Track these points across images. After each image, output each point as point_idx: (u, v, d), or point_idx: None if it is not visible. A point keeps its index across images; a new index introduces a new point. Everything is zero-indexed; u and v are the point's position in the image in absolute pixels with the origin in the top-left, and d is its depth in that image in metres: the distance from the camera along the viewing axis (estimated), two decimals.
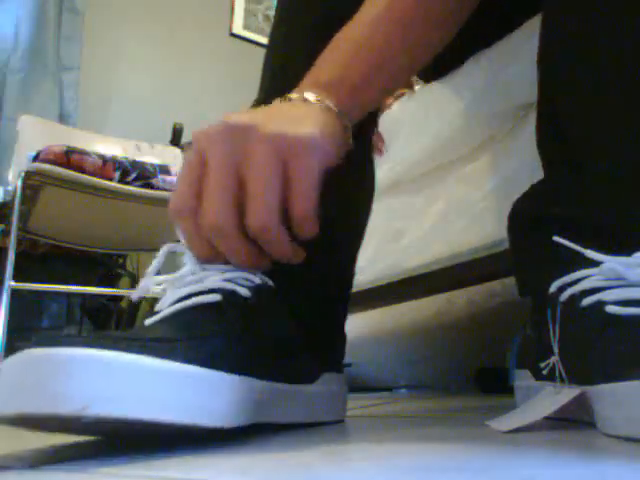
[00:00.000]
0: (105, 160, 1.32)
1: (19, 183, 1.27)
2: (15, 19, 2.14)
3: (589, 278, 0.43)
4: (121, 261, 1.92)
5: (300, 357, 0.48)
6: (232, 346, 0.40)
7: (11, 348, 1.43)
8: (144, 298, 2.17)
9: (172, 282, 0.45)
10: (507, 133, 0.80)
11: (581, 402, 0.41)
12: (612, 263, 0.42)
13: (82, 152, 1.31)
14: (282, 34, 0.59)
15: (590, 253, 0.43)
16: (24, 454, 0.33)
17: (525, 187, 0.62)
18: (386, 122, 1.02)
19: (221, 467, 0.29)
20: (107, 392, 0.30)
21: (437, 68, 0.88)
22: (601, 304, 0.41)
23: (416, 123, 0.97)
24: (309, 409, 0.48)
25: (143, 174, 1.35)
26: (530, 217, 0.54)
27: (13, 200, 1.29)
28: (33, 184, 1.30)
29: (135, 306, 1.91)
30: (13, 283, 1.21)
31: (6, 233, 1.36)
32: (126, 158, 1.39)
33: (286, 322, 0.47)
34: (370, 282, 1.04)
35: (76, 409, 0.29)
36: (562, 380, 0.45)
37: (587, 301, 0.43)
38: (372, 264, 1.04)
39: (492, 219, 0.82)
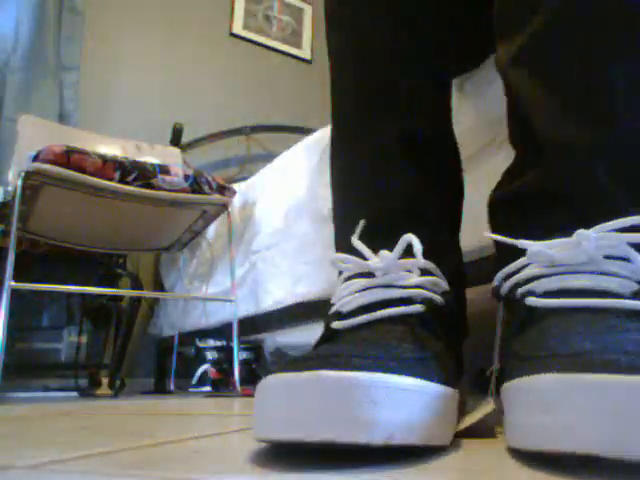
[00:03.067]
0: (105, 160, 1.32)
1: (19, 183, 1.27)
2: (15, 19, 2.14)
3: (528, 267, 0.38)
4: (121, 261, 1.92)
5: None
6: (447, 362, 0.38)
7: (11, 348, 1.43)
8: (144, 298, 2.16)
9: (360, 282, 0.41)
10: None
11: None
12: (537, 246, 0.37)
13: (82, 152, 1.30)
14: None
15: (522, 242, 0.39)
16: (24, 454, 0.33)
17: None
18: None
19: (221, 467, 0.29)
20: (405, 420, 0.29)
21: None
22: (526, 296, 0.37)
23: None
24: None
25: (143, 174, 1.35)
26: (493, 202, 0.52)
27: (13, 200, 1.29)
28: (33, 184, 1.30)
29: (135, 306, 1.91)
30: (13, 283, 1.21)
31: (6, 233, 1.36)
32: (126, 158, 1.39)
33: (459, 325, 0.45)
34: None
35: (383, 438, 0.28)
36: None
37: (520, 292, 0.38)
38: None
39: None
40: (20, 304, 1.44)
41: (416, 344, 0.36)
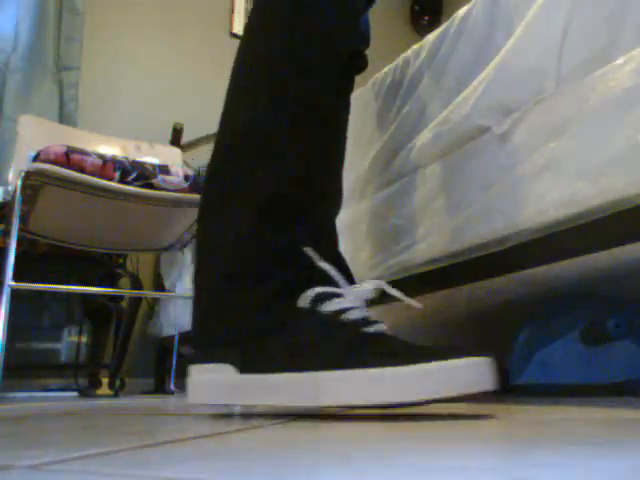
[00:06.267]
0: (105, 160, 1.32)
1: (19, 183, 1.27)
2: (15, 19, 2.14)
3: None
4: (121, 261, 1.92)
5: None
6: None
7: (11, 348, 1.43)
8: (144, 298, 2.15)
9: None
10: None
11: None
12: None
13: (82, 152, 1.30)
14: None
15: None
16: (24, 454, 0.33)
17: (524, 181, 0.62)
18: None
19: (221, 467, 0.29)
20: None
21: None
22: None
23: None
24: None
25: (143, 174, 1.35)
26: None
27: (13, 200, 1.29)
28: (33, 184, 1.30)
29: (135, 306, 1.90)
30: (13, 283, 1.21)
31: (6, 233, 1.36)
32: (126, 158, 1.39)
33: None
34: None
35: None
36: None
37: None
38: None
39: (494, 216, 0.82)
40: (20, 304, 1.44)
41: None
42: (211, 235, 0.67)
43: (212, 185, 0.69)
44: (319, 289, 0.57)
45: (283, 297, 0.59)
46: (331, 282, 0.58)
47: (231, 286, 0.62)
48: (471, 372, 0.51)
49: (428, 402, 0.50)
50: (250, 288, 0.61)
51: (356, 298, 0.58)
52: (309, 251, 0.60)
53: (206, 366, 0.61)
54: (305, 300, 0.58)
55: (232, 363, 0.59)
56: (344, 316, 0.56)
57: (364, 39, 0.72)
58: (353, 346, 0.55)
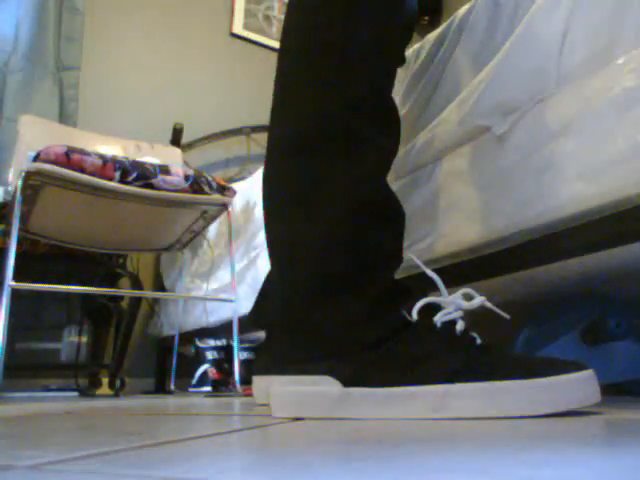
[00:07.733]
0: (105, 160, 1.32)
1: (19, 183, 1.27)
2: (15, 19, 2.14)
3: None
4: (121, 261, 1.92)
5: None
6: None
7: (11, 348, 1.43)
8: (144, 298, 2.15)
9: None
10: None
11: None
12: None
13: (82, 152, 1.30)
14: None
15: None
16: (24, 454, 0.33)
17: (524, 181, 0.62)
18: None
19: (221, 467, 0.29)
20: None
21: None
22: None
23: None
24: None
25: (143, 174, 1.35)
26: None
27: (13, 200, 1.29)
28: (33, 184, 1.30)
29: (135, 306, 1.90)
30: (13, 283, 1.21)
31: (6, 233, 1.36)
32: (126, 158, 1.39)
33: None
34: None
35: None
36: None
37: None
38: None
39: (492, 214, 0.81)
40: (20, 304, 1.44)
41: None
42: (290, 238, 0.61)
43: (283, 185, 0.62)
44: (427, 300, 0.56)
45: (387, 306, 0.57)
46: (423, 291, 0.58)
47: (326, 294, 0.58)
48: (588, 385, 0.52)
49: (547, 415, 0.50)
50: (349, 296, 0.58)
51: (457, 309, 0.57)
52: (414, 257, 0.59)
53: (297, 378, 0.57)
54: (414, 311, 0.57)
55: (333, 375, 0.55)
56: (455, 328, 0.57)
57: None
58: (475, 358, 0.55)
